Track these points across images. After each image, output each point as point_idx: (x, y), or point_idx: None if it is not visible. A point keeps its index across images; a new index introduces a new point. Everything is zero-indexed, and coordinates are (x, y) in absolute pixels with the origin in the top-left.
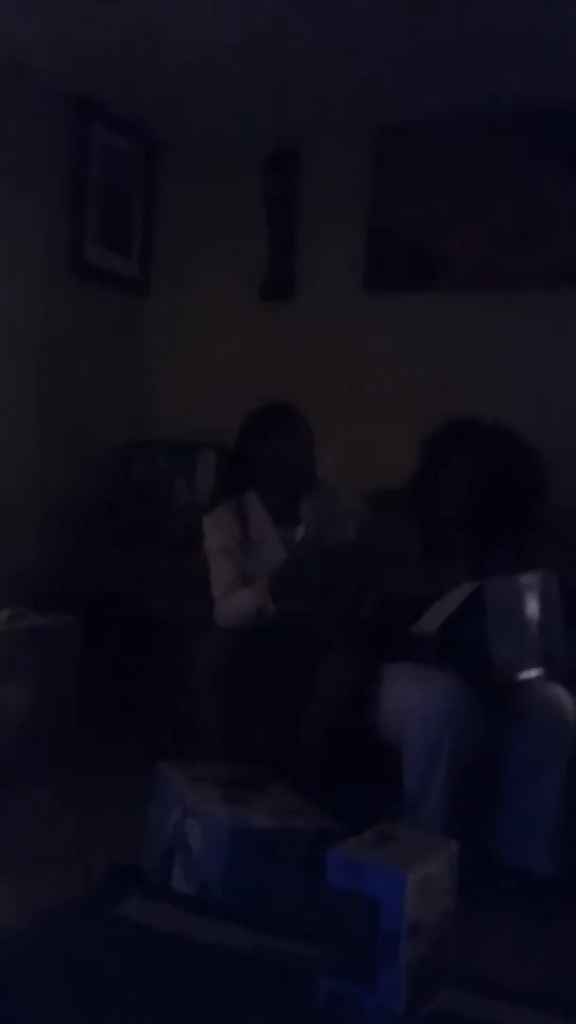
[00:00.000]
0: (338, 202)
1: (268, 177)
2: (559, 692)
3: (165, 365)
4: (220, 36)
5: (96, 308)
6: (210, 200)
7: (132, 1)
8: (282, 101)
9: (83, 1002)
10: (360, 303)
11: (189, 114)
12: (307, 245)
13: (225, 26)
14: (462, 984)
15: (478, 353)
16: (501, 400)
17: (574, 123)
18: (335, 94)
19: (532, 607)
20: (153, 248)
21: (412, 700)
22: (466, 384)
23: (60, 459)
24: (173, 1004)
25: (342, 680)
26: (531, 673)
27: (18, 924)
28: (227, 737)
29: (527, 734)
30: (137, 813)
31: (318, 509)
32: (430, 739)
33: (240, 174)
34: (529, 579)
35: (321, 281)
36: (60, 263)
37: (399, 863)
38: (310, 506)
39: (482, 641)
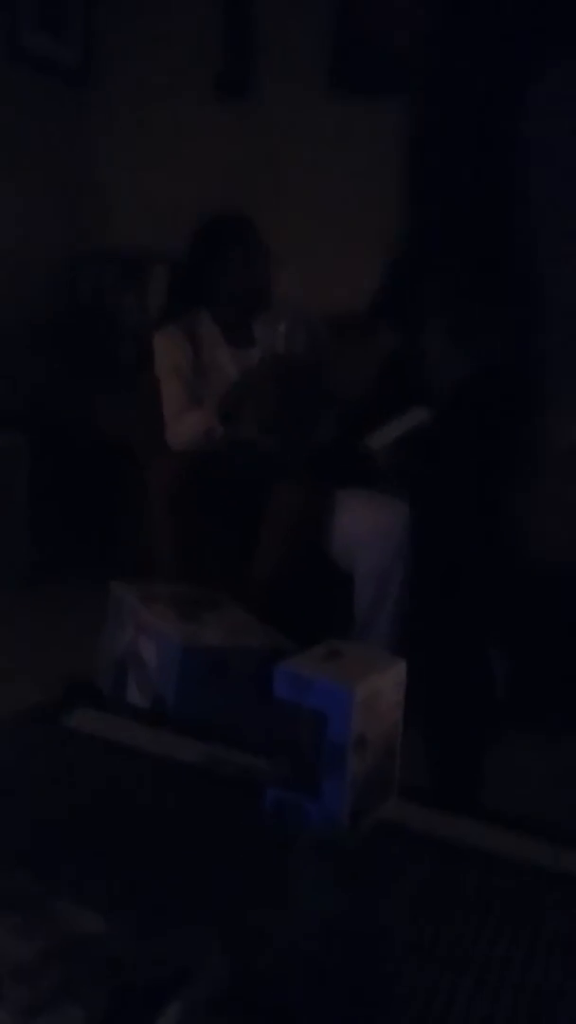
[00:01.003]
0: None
1: None
2: None
3: (111, 169)
4: None
5: (33, 102)
6: None
7: None
8: None
9: (24, 809)
10: (324, 107)
11: None
12: (268, 38)
13: None
14: (408, 796)
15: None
16: None
17: None
18: None
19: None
20: (96, 32)
21: (364, 527)
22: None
23: None
24: (117, 811)
25: (295, 507)
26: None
27: None
28: (180, 559)
29: None
30: (91, 632)
31: (273, 330)
32: (381, 566)
33: None
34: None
35: (282, 80)
36: None
37: (346, 678)
38: (265, 327)
39: (436, 470)
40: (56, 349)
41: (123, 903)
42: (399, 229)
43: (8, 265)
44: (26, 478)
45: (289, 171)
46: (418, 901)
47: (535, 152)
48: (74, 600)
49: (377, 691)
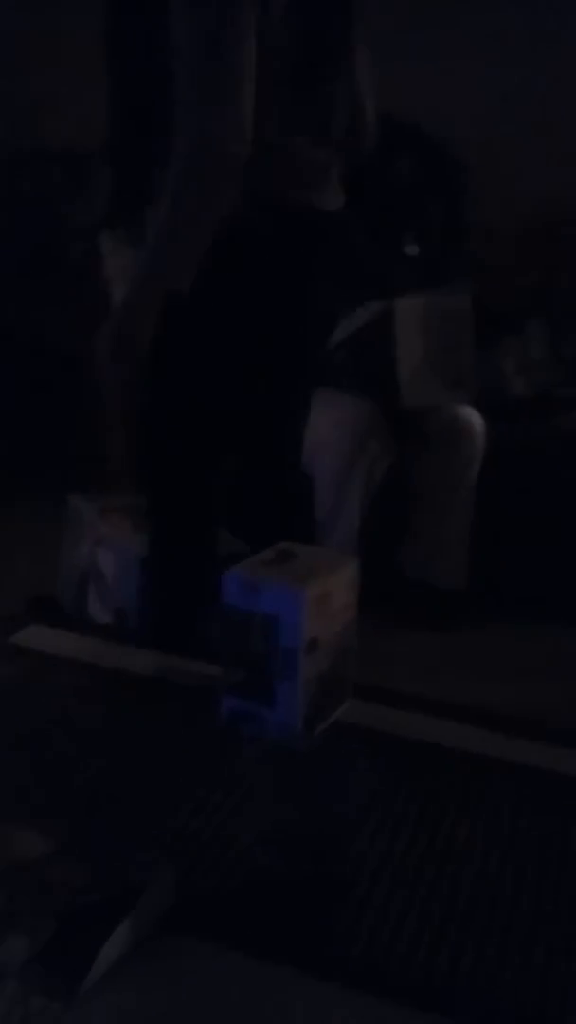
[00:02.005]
0: None
1: None
2: (469, 413)
3: (52, 51)
4: None
5: None
6: None
7: None
8: None
9: None
10: None
11: None
12: None
13: None
14: (364, 696)
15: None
16: (438, 90)
17: None
18: None
19: (443, 329)
20: None
21: (321, 427)
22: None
23: None
24: (67, 723)
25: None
26: (442, 397)
27: None
28: (136, 469)
29: (437, 456)
30: (51, 546)
31: None
32: (340, 466)
33: None
34: (440, 299)
35: None
36: None
37: (296, 580)
38: None
39: (391, 364)
40: (2, 252)
41: (72, 822)
42: None
43: None
44: None
45: None
46: (372, 802)
47: None
48: (32, 515)
49: (328, 592)
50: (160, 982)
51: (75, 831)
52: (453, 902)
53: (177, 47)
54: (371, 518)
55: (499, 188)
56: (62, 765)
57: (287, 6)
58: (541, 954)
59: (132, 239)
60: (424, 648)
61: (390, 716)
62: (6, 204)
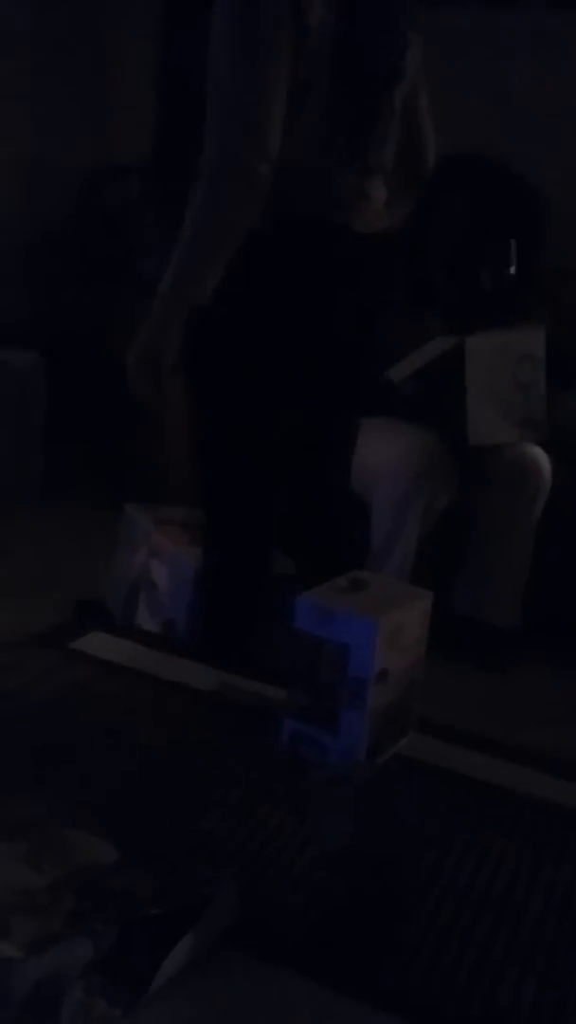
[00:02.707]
0: None
1: None
2: (536, 452)
3: (136, 72)
4: None
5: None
6: None
7: None
8: None
9: (35, 732)
10: None
11: None
12: None
13: None
14: (426, 731)
15: (476, 73)
16: (504, 131)
17: None
18: None
19: (514, 367)
20: None
21: (384, 456)
22: (460, 111)
23: (17, 188)
24: (130, 734)
25: None
26: (508, 436)
27: None
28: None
29: (499, 492)
30: (103, 554)
31: None
32: (399, 496)
33: None
34: (513, 337)
35: None
36: None
37: (370, 610)
38: None
39: (460, 400)
40: (77, 264)
41: (135, 833)
42: None
43: (29, 178)
44: (44, 396)
45: None
46: (431, 835)
47: None
48: (88, 521)
49: (401, 625)
50: (217, 998)
51: (139, 842)
52: (498, 934)
53: (208, 66)
54: (427, 551)
55: None
56: (128, 777)
57: (330, 36)
58: None
59: None
60: (480, 685)
61: (449, 752)
62: (86, 215)
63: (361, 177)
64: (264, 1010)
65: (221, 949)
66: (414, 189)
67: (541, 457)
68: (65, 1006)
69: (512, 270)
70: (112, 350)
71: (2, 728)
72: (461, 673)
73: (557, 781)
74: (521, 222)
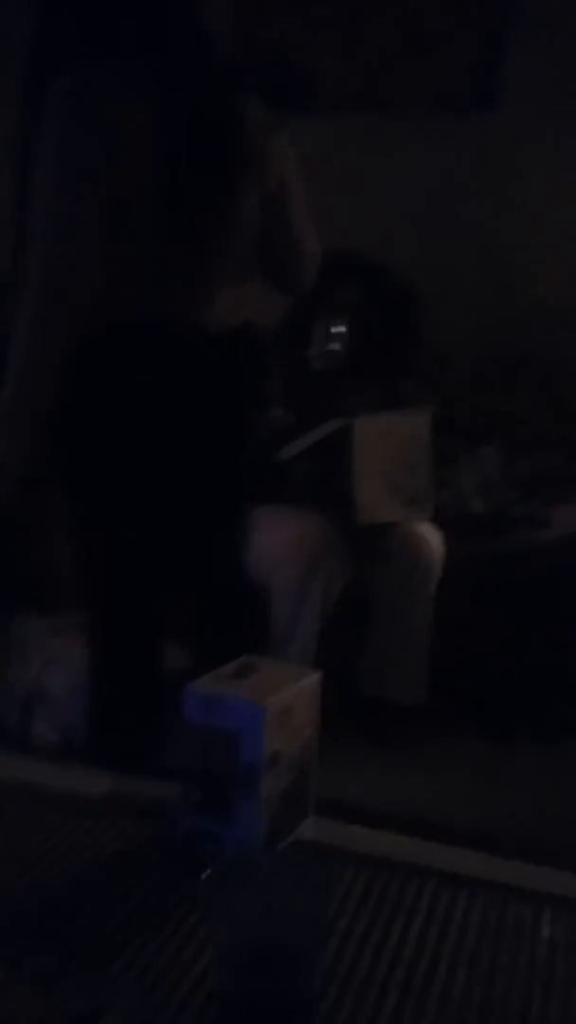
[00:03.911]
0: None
1: None
2: (425, 530)
3: None
4: None
5: None
6: None
7: None
8: None
9: None
10: None
11: None
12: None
13: None
14: (325, 813)
15: (350, 181)
16: (375, 231)
17: None
18: None
19: (401, 449)
20: None
21: (278, 542)
22: (337, 214)
23: None
24: (16, 852)
25: None
26: (396, 515)
27: None
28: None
29: (393, 570)
30: None
31: None
32: (296, 582)
33: None
34: (400, 419)
35: None
36: None
37: (257, 694)
38: None
39: (346, 480)
40: None
41: (20, 951)
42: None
43: None
44: None
45: None
46: (333, 921)
47: None
48: None
49: (290, 706)
50: None
51: (26, 961)
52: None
53: (30, 188)
54: (327, 634)
55: (454, 316)
56: (10, 894)
57: (153, 162)
58: None
59: None
60: (385, 762)
61: (350, 832)
62: None
63: (200, 284)
64: None
65: None
66: (291, 290)
67: (430, 534)
68: None
69: (338, 348)
70: None
71: None
72: (365, 750)
73: (462, 852)
74: (403, 313)
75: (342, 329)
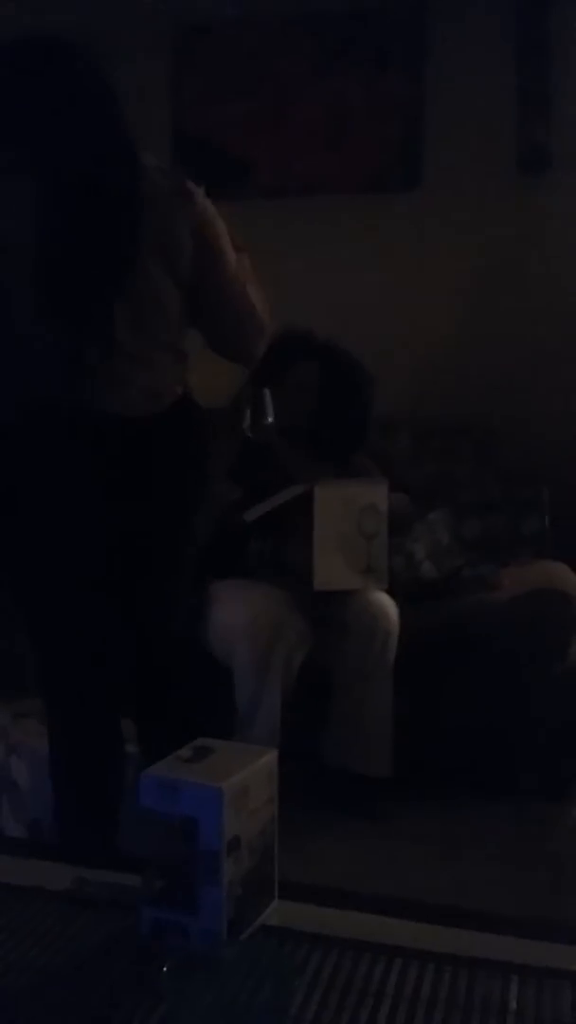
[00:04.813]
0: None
1: None
2: (381, 598)
3: None
4: None
5: None
6: None
7: None
8: None
9: None
10: None
11: None
12: None
13: None
14: (291, 895)
15: (284, 261)
16: (305, 311)
17: (380, 22)
18: None
19: (359, 517)
20: None
21: (238, 618)
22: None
23: None
24: None
25: None
26: (352, 583)
27: None
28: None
29: (351, 640)
30: None
31: None
32: (257, 656)
33: None
34: (359, 488)
35: None
36: None
37: (213, 778)
38: None
39: (307, 545)
40: None
41: None
42: None
43: None
44: None
45: None
46: (302, 1010)
47: None
48: None
49: (247, 788)
50: None
51: None
52: None
53: None
54: (291, 707)
55: (394, 390)
56: None
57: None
58: None
59: None
60: (353, 837)
61: (316, 915)
62: None
63: (113, 361)
64: None
65: None
66: (238, 359)
67: (387, 602)
68: None
69: (270, 419)
70: None
71: None
72: (332, 826)
73: (429, 928)
74: (355, 390)
75: (270, 401)
